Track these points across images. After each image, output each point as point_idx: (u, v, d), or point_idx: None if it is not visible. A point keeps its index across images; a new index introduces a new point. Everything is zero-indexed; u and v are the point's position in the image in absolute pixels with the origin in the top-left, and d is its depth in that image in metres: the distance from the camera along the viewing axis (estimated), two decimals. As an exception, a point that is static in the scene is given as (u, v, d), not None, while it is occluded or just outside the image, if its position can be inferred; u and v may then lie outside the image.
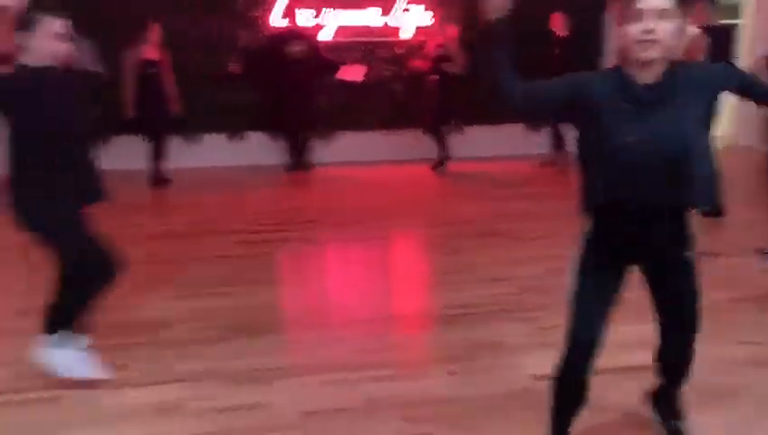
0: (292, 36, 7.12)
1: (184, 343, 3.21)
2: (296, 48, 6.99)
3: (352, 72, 7.03)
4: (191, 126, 7.33)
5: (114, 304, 3.63)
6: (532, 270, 4.14)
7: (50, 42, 2.52)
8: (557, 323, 3.41)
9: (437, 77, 6.96)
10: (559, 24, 7.18)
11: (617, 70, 1.90)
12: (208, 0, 7.25)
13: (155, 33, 6.30)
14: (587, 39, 7.56)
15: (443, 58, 6.95)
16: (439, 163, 7.16)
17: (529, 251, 4.55)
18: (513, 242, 4.78)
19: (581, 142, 1.96)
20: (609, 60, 7.98)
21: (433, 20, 7.58)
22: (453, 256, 4.50)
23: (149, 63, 6.31)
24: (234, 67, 6.99)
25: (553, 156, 7.45)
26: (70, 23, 2.58)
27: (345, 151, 7.71)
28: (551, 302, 3.56)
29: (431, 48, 7.14)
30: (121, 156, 6.79)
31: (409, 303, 3.83)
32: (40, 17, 2.50)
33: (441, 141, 7.14)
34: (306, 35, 7.24)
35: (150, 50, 6.32)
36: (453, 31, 7.00)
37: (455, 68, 6.88)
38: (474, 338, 3.21)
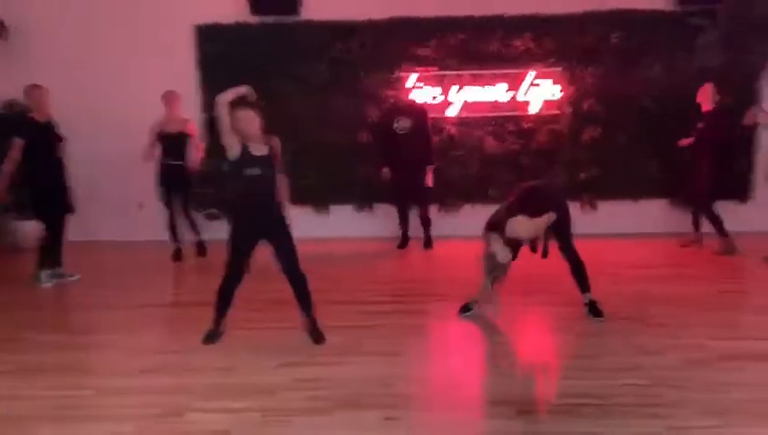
0: (399, 112, 7.03)
1: (287, 412, 3.18)
2: (401, 124, 6.95)
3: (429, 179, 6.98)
4: (319, 198, 7.68)
5: (222, 368, 3.74)
6: (667, 360, 3.73)
7: None
8: (691, 424, 3.02)
9: None
10: (704, 97, 6.60)
11: None
12: (345, 84, 7.60)
13: None
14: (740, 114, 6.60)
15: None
16: None
17: (664, 339, 4.12)
18: (645, 328, 4.36)
19: None
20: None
21: (561, 94, 7.44)
22: (579, 340, 4.17)
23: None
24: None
25: (698, 236, 6.87)
26: None
27: (472, 225, 7.59)
28: (685, 398, 3.16)
29: None
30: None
31: (526, 388, 3.52)
32: None
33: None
34: (416, 110, 7.08)
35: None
36: None
37: None
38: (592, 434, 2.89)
